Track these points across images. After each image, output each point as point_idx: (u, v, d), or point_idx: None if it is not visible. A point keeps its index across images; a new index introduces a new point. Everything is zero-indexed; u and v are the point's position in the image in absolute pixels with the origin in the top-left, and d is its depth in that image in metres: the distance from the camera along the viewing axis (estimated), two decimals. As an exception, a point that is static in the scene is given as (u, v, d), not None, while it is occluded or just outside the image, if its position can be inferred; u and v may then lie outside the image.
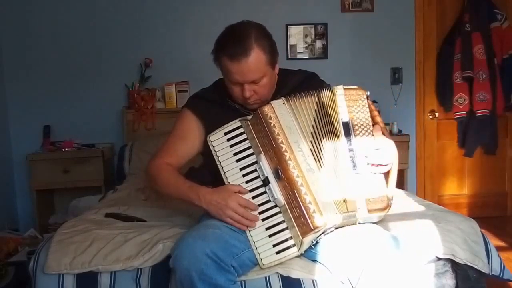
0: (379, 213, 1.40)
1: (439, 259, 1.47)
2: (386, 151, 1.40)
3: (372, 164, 1.39)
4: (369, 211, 1.37)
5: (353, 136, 1.41)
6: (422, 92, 3.57)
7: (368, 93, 1.46)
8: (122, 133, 3.29)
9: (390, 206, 1.40)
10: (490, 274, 1.50)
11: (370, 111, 1.45)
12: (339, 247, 1.35)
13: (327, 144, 1.41)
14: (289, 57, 3.45)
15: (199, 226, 1.41)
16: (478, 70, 3.34)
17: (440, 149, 3.63)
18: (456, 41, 3.43)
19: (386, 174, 1.43)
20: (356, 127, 1.42)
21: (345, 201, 1.37)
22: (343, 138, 1.41)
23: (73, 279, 1.44)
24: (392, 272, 1.26)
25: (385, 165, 1.40)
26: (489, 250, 1.53)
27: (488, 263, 1.50)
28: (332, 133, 1.42)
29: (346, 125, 1.41)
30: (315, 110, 1.44)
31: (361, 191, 1.38)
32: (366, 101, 1.45)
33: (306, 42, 3.47)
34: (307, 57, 3.47)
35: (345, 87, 1.46)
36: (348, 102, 1.44)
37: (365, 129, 1.42)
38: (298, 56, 3.46)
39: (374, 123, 1.45)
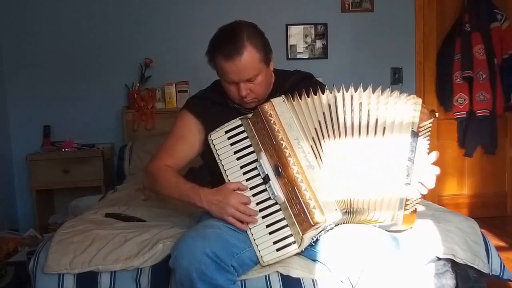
0: (405, 226, 1.41)
1: (439, 259, 1.47)
2: (434, 181, 1.40)
3: (419, 182, 1.38)
4: (404, 219, 1.38)
5: (416, 148, 1.39)
6: (422, 92, 3.56)
7: (433, 120, 1.46)
8: (122, 133, 3.29)
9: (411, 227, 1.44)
10: (490, 274, 1.50)
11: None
12: (339, 247, 1.35)
13: (331, 142, 1.40)
14: (289, 57, 3.45)
15: (198, 226, 1.41)
16: (478, 70, 3.34)
17: (440, 149, 3.54)
18: (456, 41, 3.43)
19: None
20: (421, 134, 1.41)
21: (349, 200, 1.37)
22: (406, 146, 1.39)
23: (73, 279, 1.44)
24: (392, 272, 1.26)
25: (427, 189, 1.40)
26: (489, 250, 1.54)
27: (488, 263, 1.50)
28: (339, 131, 1.40)
29: (414, 135, 1.39)
30: (320, 107, 1.43)
31: (408, 196, 1.39)
32: (431, 125, 1.44)
33: (306, 42, 3.47)
34: (307, 57, 3.47)
35: (422, 104, 1.46)
36: (421, 113, 1.42)
37: (427, 136, 1.41)
38: (298, 56, 3.46)
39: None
